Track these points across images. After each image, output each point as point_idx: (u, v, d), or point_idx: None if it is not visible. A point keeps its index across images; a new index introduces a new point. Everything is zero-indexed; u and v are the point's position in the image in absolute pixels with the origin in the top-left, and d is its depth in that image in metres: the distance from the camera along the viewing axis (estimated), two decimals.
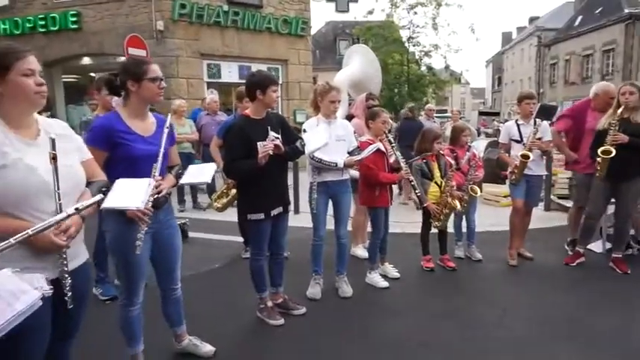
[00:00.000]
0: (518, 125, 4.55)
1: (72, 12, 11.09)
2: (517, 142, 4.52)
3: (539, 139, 4.37)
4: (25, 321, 1.42)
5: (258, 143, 2.99)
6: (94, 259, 3.55)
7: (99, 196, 1.64)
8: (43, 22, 11.22)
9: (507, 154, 4.63)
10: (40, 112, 1.77)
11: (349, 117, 4.97)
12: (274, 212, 3.22)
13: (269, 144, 2.98)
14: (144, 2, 10.70)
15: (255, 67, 12.14)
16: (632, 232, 4.87)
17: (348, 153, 3.69)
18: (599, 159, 4.09)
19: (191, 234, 5.55)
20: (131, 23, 10.71)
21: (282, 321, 3.34)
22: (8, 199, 1.57)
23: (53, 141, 1.58)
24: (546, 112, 4.48)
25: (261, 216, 3.16)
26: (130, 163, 2.30)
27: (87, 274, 1.94)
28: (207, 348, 2.89)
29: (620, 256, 4.41)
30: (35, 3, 11.44)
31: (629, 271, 4.27)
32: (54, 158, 1.57)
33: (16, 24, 11.39)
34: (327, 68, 26.55)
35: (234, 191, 4.42)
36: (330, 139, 3.52)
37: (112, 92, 2.53)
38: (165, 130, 2.37)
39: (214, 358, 2.87)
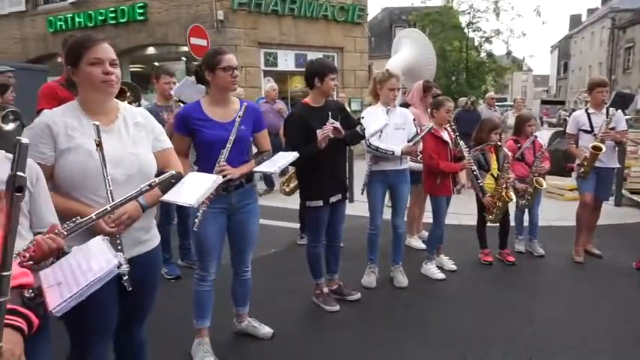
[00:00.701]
0: (588, 114, 4.29)
1: (139, 4, 11.62)
2: (587, 132, 4.26)
3: (613, 129, 4.10)
4: (93, 306, 1.48)
5: (318, 131, 3.03)
6: None
7: (171, 172, 1.69)
8: (113, 15, 11.86)
9: (575, 145, 4.39)
10: (130, 102, 1.87)
11: (404, 105, 4.89)
12: (333, 199, 3.26)
13: (328, 127, 3.01)
14: None
15: (310, 55, 12.18)
16: None
17: (408, 141, 3.65)
18: None
19: None
20: (193, 13, 11.07)
21: (337, 307, 3.40)
22: (73, 182, 1.67)
23: (97, 127, 1.62)
24: (622, 101, 4.19)
25: (320, 203, 3.21)
26: (205, 147, 2.52)
27: (157, 259, 1.99)
28: (266, 330, 3.01)
29: None
30: None
31: None
32: (99, 145, 1.62)
33: (89, 17, 12.11)
34: (382, 56, 26.07)
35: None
36: (388, 127, 3.50)
37: (198, 82, 2.71)
38: (237, 119, 2.50)
39: (272, 340, 2.98)
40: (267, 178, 7.35)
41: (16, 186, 0.75)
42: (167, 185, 1.77)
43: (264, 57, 11.83)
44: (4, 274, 0.81)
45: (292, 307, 3.49)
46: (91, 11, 12.09)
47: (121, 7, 11.76)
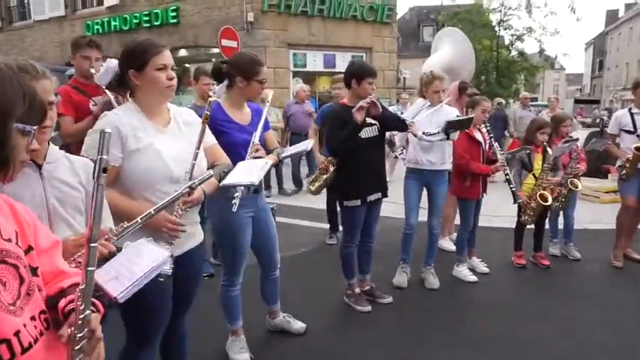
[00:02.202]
0: (632, 114, 4.15)
1: (172, 7, 11.92)
2: (629, 132, 4.13)
3: None
4: (151, 298, 1.58)
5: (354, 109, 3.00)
6: None
7: (209, 172, 1.73)
8: (147, 18, 12.21)
9: (617, 146, 4.25)
10: None
11: None
12: (371, 198, 3.25)
13: (367, 100, 2.98)
14: None
15: (339, 55, 12.24)
16: None
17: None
18: None
19: (277, 219, 5.78)
20: (224, 16, 11.28)
21: (369, 308, 3.40)
22: (139, 182, 1.75)
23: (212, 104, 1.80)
24: None
25: (358, 202, 3.21)
26: (229, 150, 2.44)
27: (201, 254, 2.08)
28: (299, 325, 3.05)
29: None
30: (141, 0, 12.45)
31: None
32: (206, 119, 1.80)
33: (125, 20, 12.51)
34: (409, 55, 25.93)
35: (325, 176, 4.55)
36: (430, 126, 3.50)
37: (216, 79, 2.70)
38: (262, 118, 2.55)
39: (304, 336, 3.01)
40: (296, 179, 7.41)
41: (102, 167, 0.86)
42: (221, 175, 1.88)
43: (292, 58, 11.93)
44: (93, 245, 0.89)
45: (323, 307, 3.52)
46: (127, 15, 12.48)
47: (155, 11, 12.09)
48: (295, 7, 11.38)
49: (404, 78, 14.75)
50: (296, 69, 11.97)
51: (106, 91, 2.67)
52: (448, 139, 3.55)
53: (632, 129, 4.12)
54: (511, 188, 3.95)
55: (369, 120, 3.14)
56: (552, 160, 4.02)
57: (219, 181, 1.97)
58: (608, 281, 4.05)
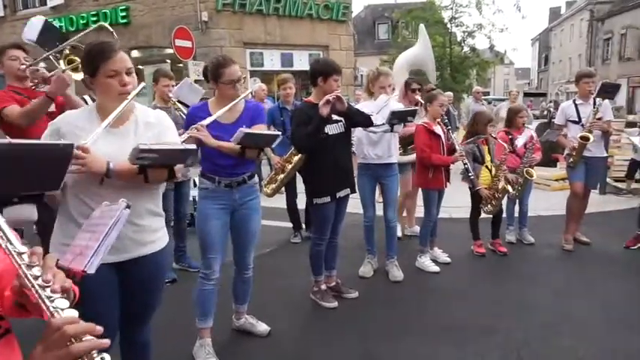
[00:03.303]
0: (576, 105, 4.38)
1: (122, 7, 11.52)
2: (575, 123, 4.36)
3: (600, 119, 4.19)
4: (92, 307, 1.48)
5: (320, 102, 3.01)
6: None
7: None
8: (95, 19, 11.73)
9: (565, 136, 4.48)
10: None
11: None
12: (340, 194, 3.27)
13: (332, 94, 2.99)
14: None
15: (296, 54, 12.23)
16: None
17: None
18: None
19: None
20: (177, 15, 11.02)
21: (335, 304, 3.42)
22: (71, 182, 1.70)
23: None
24: (609, 91, 4.27)
25: (327, 199, 3.22)
26: (207, 148, 2.55)
27: (163, 261, 1.98)
28: (263, 327, 3.03)
29: None
30: (88, 0, 11.95)
31: None
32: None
33: (71, 21, 11.97)
34: (365, 53, 26.25)
35: (282, 176, 4.54)
36: (379, 120, 3.55)
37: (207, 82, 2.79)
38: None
39: (269, 337, 2.99)
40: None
41: None
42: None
43: (249, 57, 11.81)
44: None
45: (290, 305, 3.51)
46: (73, 15, 11.96)
47: (103, 11, 11.65)
48: (250, 5, 11.26)
49: (361, 75, 14.91)
50: (253, 68, 11.87)
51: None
52: (392, 130, 3.62)
53: (576, 119, 4.34)
54: (470, 176, 4.07)
55: (335, 117, 3.16)
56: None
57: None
58: (560, 264, 4.25)
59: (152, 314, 2.05)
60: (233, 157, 2.57)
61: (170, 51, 9.69)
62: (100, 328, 0.84)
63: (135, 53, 12.55)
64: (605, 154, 4.62)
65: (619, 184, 6.97)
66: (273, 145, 2.77)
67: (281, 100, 4.96)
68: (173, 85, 3.94)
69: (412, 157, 4.44)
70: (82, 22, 11.83)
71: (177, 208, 4.02)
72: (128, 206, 1.38)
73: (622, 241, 4.52)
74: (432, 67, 6.47)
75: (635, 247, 4.38)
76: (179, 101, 3.74)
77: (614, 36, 31.15)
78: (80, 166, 1.62)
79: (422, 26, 7.04)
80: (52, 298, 0.85)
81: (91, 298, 1.32)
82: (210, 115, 2.57)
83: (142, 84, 1.83)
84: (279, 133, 2.72)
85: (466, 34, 21.14)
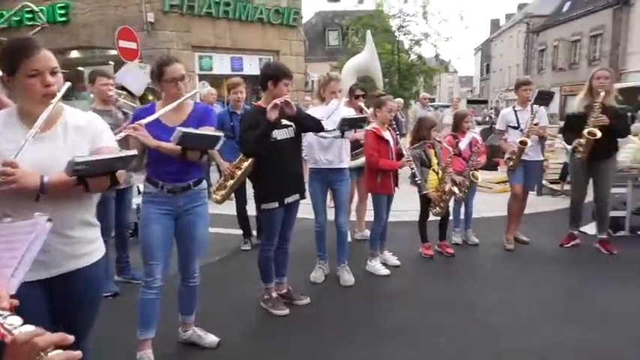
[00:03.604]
0: (515, 112, 4.62)
1: (60, 4, 10.93)
2: (514, 128, 4.59)
3: (536, 124, 4.44)
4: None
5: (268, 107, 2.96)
6: None
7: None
8: (30, 15, 11.03)
9: (505, 141, 4.70)
10: None
11: None
12: (289, 200, 3.23)
13: (281, 98, 2.95)
14: None
15: (246, 58, 12.10)
16: (623, 214, 5.00)
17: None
18: (582, 140, 4.19)
19: None
20: (121, 15, 10.59)
21: (287, 311, 3.37)
22: (6, 198, 1.53)
23: None
24: (544, 98, 4.54)
25: (275, 205, 3.17)
26: (152, 149, 2.48)
27: (98, 274, 1.84)
28: (211, 339, 2.93)
29: (605, 237, 4.54)
30: None
31: (614, 252, 4.41)
32: None
33: (2, 17, 11.18)
34: (316, 59, 26.41)
35: (231, 182, 4.45)
36: (327, 124, 3.55)
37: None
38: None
39: (219, 349, 2.90)
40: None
41: None
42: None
43: (198, 60, 11.56)
44: None
45: (240, 315, 3.42)
46: (4, 11, 11.18)
47: (40, 8, 10.97)
48: (199, 8, 11.03)
49: (312, 81, 14.99)
50: (202, 72, 11.61)
51: None
52: (343, 136, 3.64)
53: (516, 125, 4.58)
54: (417, 181, 4.17)
55: (284, 121, 3.12)
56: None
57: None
58: (503, 264, 4.44)
59: (89, 330, 1.91)
60: (177, 162, 2.49)
61: (114, 52, 9.27)
62: (71, 338, 0.80)
63: (75, 54, 11.97)
64: (542, 158, 4.90)
65: (554, 186, 7.41)
66: (217, 148, 2.65)
67: (231, 104, 4.86)
68: (113, 85, 3.74)
69: (357, 162, 4.49)
70: (15, 18, 11.09)
71: (118, 217, 3.82)
72: (49, 219, 1.26)
73: (557, 239, 4.79)
74: (379, 73, 6.60)
75: (569, 245, 4.66)
76: (122, 87, 3.56)
77: (547, 47, 33.28)
78: (9, 184, 1.47)
79: (368, 33, 7.19)
80: (3, 316, 0.79)
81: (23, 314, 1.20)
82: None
83: (67, 84, 1.68)
84: (222, 134, 2.63)
85: (413, 42, 21.81)
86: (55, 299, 1.72)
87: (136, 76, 3.69)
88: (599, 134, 4.08)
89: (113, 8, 10.77)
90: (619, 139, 4.45)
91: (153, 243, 2.57)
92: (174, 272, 2.85)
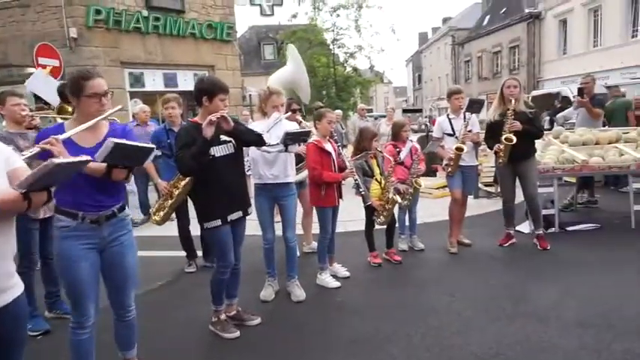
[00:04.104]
0: (449, 119, 4.80)
1: None
2: (450, 135, 4.76)
3: (470, 131, 4.64)
4: None
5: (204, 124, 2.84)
6: None
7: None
8: None
9: (442, 148, 4.86)
10: None
11: None
12: (232, 217, 3.09)
13: (216, 114, 2.83)
14: (53, 8, 9.96)
15: (180, 74, 11.77)
16: (552, 211, 5.33)
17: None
18: (501, 146, 4.47)
19: None
20: (40, 30, 9.93)
21: (237, 333, 3.23)
22: None
23: None
24: (475, 106, 4.76)
25: (218, 222, 3.03)
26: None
27: (22, 310, 1.72)
28: None
29: (541, 233, 4.81)
30: None
31: (549, 247, 4.68)
32: None
33: None
34: (252, 73, 26.30)
35: (170, 201, 4.25)
36: (270, 139, 3.49)
37: (63, 101, 2.55)
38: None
39: None
40: (143, 206, 6.81)
41: None
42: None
43: (128, 77, 11.07)
44: None
45: (187, 341, 3.24)
46: None
47: None
48: (126, 23, 10.58)
49: (249, 95, 14.85)
50: (133, 89, 11.12)
51: None
52: (287, 150, 3.60)
53: (451, 132, 4.76)
54: (361, 192, 4.19)
55: (223, 137, 3.02)
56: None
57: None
58: (448, 267, 4.56)
59: None
60: (97, 185, 2.26)
61: (32, 70, 8.64)
62: None
63: None
64: (477, 163, 5.12)
65: (489, 189, 7.79)
66: (147, 162, 2.49)
67: (167, 121, 4.66)
68: (25, 105, 3.44)
69: (299, 176, 4.43)
70: None
71: (43, 248, 3.49)
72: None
73: (497, 239, 5.00)
74: (306, 86, 6.58)
75: (507, 244, 4.89)
76: (36, 96, 3.32)
77: (472, 58, 35.44)
78: None
79: (291, 46, 7.17)
80: None
81: None
82: (68, 137, 2.18)
83: None
84: (154, 147, 2.44)
85: (348, 54, 22.33)
86: None
87: (46, 84, 3.43)
88: (514, 139, 4.35)
89: (30, 23, 10.07)
90: (537, 141, 4.76)
91: (82, 284, 2.31)
92: (105, 305, 2.60)
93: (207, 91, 2.97)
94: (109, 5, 10.28)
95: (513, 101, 4.41)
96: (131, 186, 6.64)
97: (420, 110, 35.28)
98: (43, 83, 3.45)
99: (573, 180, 6.55)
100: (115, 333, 2.63)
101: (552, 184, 5.35)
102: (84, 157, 1.73)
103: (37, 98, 3.44)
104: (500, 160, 4.58)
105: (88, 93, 2.25)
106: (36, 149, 1.98)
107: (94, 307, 2.41)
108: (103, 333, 2.59)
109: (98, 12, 10.11)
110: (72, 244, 2.28)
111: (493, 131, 4.59)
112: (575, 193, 6.36)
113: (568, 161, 5.39)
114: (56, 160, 1.61)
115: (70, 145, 2.18)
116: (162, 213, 4.32)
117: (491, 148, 4.70)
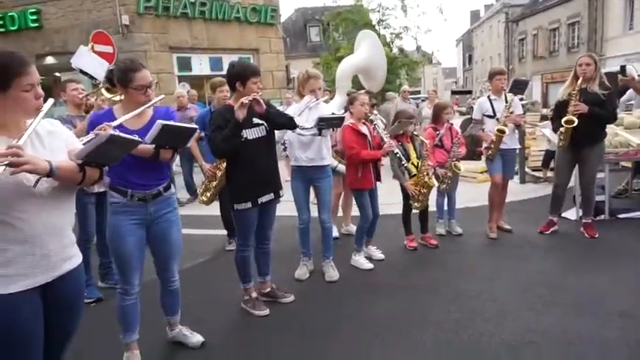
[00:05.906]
0: (490, 101, 4.63)
1: (31, 10, 10.68)
2: (490, 117, 4.60)
3: (512, 113, 4.46)
4: (18, 334, 1.54)
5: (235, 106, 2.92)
6: None
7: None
8: (0, 22, 10.78)
9: (482, 130, 4.72)
10: None
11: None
12: (263, 199, 3.17)
13: (248, 97, 2.90)
14: None
15: (225, 58, 11.98)
16: (602, 198, 5.06)
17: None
18: (562, 129, 4.22)
19: None
20: (95, 19, 10.40)
21: (267, 311, 3.33)
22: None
23: None
24: (519, 87, 4.57)
25: (248, 205, 3.12)
26: None
27: (81, 278, 1.88)
28: (196, 338, 2.93)
29: (590, 221, 4.59)
30: None
31: (596, 235, 4.46)
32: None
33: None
34: (298, 56, 26.38)
35: (214, 183, 4.42)
36: (307, 122, 3.53)
37: (112, 85, 2.73)
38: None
39: (202, 349, 2.90)
40: (189, 187, 7.10)
41: None
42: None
43: (177, 62, 11.42)
44: None
45: (224, 316, 3.40)
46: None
47: (10, 14, 10.74)
48: (174, 9, 10.88)
49: (294, 78, 14.93)
50: (181, 73, 11.47)
51: None
52: (320, 134, 3.62)
53: (492, 114, 4.59)
54: (402, 164, 4.10)
55: (256, 120, 3.08)
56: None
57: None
58: (486, 252, 4.47)
59: (71, 339, 1.89)
60: (146, 166, 2.43)
61: None
62: None
63: (50, 60, 11.71)
64: (519, 146, 4.92)
65: (536, 173, 7.48)
66: (191, 142, 2.65)
67: (213, 104, 4.80)
68: (83, 89, 3.72)
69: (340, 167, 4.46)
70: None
71: (99, 221, 3.75)
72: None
73: (538, 226, 4.83)
74: (382, 77, 6.12)
75: (548, 231, 4.71)
76: (82, 71, 3.56)
77: (527, 36, 33.59)
78: (22, 165, 1.48)
79: (369, 32, 6.69)
80: None
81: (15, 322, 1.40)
82: (115, 119, 2.37)
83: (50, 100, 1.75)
84: (197, 127, 2.60)
85: (394, 35, 21.83)
86: (48, 304, 1.72)
87: (90, 59, 3.64)
88: (575, 122, 4.11)
89: (86, 12, 10.57)
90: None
91: (128, 256, 2.53)
92: (154, 277, 2.82)
93: (240, 75, 3.04)
94: None
95: (580, 80, 4.16)
96: (177, 167, 6.94)
97: (469, 92, 34.13)
98: (87, 59, 3.67)
99: (629, 164, 6.16)
100: (161, 300, 2.86)
101: (604, 169, 5.08)
102: (136, 137, 1.86)
103: (83, 75, 3.68)
104: (561, 144, 4.34)
105: (136, 85, 2.40)
106: (91, 135, 2.17)
107: (139, 277, 2.61)
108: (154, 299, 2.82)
109: None
110: (121, 219, 2.49)
111: (560, 111, 4.33)
112: (631, 179, 5.99)
113: (622, 145, 5.08)
114: (111, 131, 1.80)
115: (120, 129, 2.35)
116: (208, 194, 4.52)
117: (555, 130, 4.46)
